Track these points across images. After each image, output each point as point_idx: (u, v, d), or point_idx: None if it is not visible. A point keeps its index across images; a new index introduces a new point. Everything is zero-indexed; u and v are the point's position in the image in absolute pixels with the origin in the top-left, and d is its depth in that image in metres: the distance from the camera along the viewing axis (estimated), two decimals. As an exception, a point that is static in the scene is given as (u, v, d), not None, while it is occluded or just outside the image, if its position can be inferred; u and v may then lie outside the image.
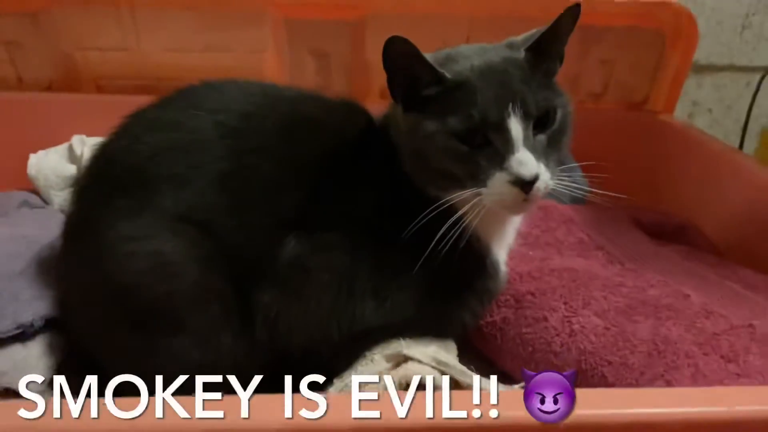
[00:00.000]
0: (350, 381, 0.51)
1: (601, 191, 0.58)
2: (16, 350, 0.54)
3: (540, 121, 0.49)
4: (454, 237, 0.49)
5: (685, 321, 0.53)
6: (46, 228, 0.68)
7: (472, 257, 0.54)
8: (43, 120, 0.86)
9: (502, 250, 0.59)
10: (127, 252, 0.47)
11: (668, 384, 0.45)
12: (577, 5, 0.51)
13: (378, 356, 0.52)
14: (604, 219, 0.79)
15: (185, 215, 0.49)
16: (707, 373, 0.45)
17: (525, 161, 0.46)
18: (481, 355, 0.61)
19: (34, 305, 0.56)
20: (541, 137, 0.49)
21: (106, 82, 0.90)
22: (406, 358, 0.50)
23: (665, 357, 0.47)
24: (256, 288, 0.50)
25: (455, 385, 0.49)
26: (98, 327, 0.51)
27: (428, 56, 0.50)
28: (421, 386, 0.48)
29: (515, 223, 0.60)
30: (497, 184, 0.47)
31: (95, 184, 0.53)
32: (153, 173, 0.50)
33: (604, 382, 0.48)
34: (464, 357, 0.59)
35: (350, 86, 0.89)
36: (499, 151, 0.47)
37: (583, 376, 0.50)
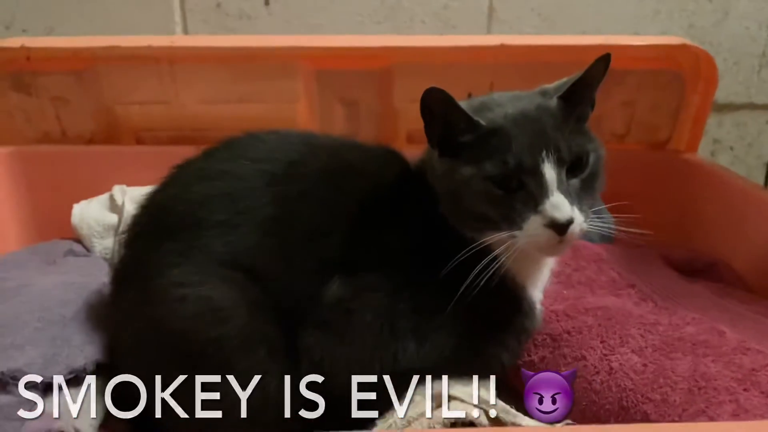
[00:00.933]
0: (395, 420, 0.52)
1: (628, 229, 0.60)
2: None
3: (573, 166, 0.51)
4: (490, 276, 0.51)
5: (723, 357, 0.53)
6: (92, 275, 0.71)
7: (508, 297, 0.56)
8: (86, 171, 0.89)
9: (537, 290, 0.60)
10: (177, 297, 0.49)
11: (711, 420, 0.46)
12: (608, 54, 0.53)
13: (419, 397, 0.53)
14: (634, 257, 0.80)
15: (233, 260, 0.51)
16: (748, 408, 0.46)
17: (559, 205, 0.48)
18: (519, 394, 0.61)
19: (86, 350, 0.58)
20: (575, 181, 0.51)
21: (145, 133, 0.93)
22: (449, 398, 0.51)
23: (706, 393, 0.48)
24: (301, 330, 0.52)
25: (498, 423, 0.49)
26: (150, 372, 0.52)
27: (463, 104, 0.52)
28: (465, 424, 0.50)
29: (550, 263, 0.62)
30: (532, 226, 0.49)
31: (146, 230, 0.56)
32: (202, 220, 0.52)
33: (646, 420, 0.49)
34: (503, 396, 0.59)
35: (378, 132, 0.92)
36: (534, 195, 0.49)
37: (625, 413, 0.50)
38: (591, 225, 0.52)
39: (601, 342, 0.57)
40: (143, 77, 0.88)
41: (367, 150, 0.60)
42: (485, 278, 0.51)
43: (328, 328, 0.52)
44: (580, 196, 0.51)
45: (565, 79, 0.56)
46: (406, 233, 0.55)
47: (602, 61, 0.53)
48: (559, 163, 0.49)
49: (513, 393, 0.61)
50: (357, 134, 0.93)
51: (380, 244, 0.54)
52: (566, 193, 0.49)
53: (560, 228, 0.48)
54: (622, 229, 0.60)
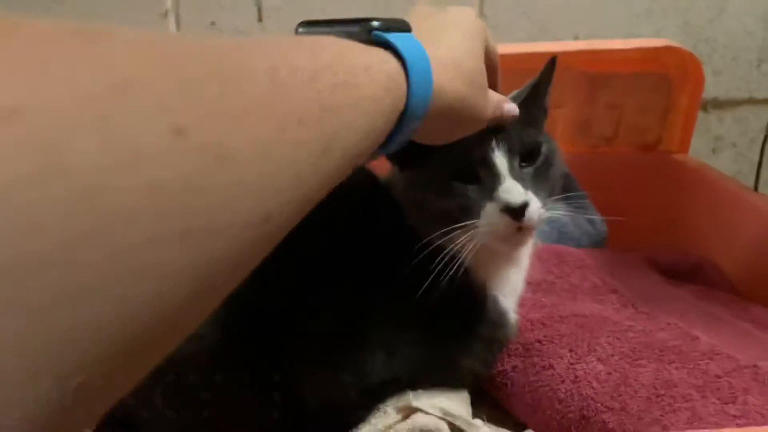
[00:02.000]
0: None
1: (606, 217, 0.60)
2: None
3: (526, 157, 0.53)
4: (454, 282, 0.51)
5: (689, 364, 0.54)
6: None
7: (475, 306, 0.57)
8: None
9: (509, 298, 0.61)
10: None
11: (664, 429, 0.46)
12: (554, 58, 0.56)
13: (390, 408, 0.55)
14: (619, 262, 0.81)
15: None
16: (703, 415, 0.46)
17: (511, 189, 0.49)
18: (495, 403, 0.63)
19: None
20: (528, 169, 0.53)
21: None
22: (415, 410, 0.53)
23: (663, 401, 0.48)
24: (271, 346, 0.53)
25: (461, 434, 0.51)
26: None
27: None
28: (429, 435, 0.51)
29: (521, 269, 0.62)
30: (489, 214, 0.50)
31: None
32: None
33: (604, 429, 0.49)
34: (480, 405, 0.61)
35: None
36: (487, 183, 0.51)
37: (586, 422, 0.51)
38: (554, 212, 0.54)
39: (570, 351, 0.58)
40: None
41: None
42: (448, 280, 0.51)
43: (299, 344, 0.54)
44: (536, 183, 0.52)
45: (519, 90, 0.58)
46: (374, 247, 0.57)
47: (549, 66, 0.56)
48: (510, 152, 0.51)
49: (490, 402, 0.63)
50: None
51: (349, 259, 0.56)
52: (519, 179, 0.51)
53: (515, 212, 0.49)
54: (603, 217, 0.60)
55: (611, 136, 0.97)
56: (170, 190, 0.21)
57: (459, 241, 0.52)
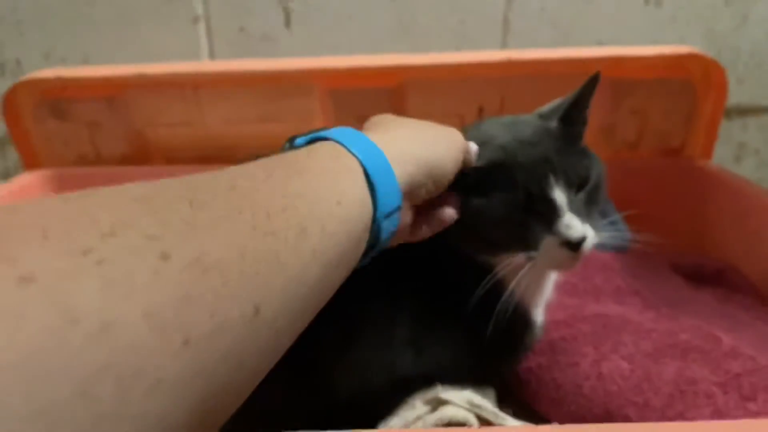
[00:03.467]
0: (393, 425, 0.55)
1: (642, 239, 0.61)
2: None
3: (579, 185, 0.53)
4: (494, 297, 0.53)
5: (712, 363, 0.55)
6: None
7: (510, 315, 0.57)
8: (119, 190, 0.95)
9: (537, 303, 0.62)
10: None
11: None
12: (598, 74, 0.55)
13: (418, 401, 0.56)
14: (642, 265, 0.82)
15: None
16: (725, 411, 0.47)
17: (572, 225, 0.50)
18: (520, 400, 0.64)
19: None
20: (581, 196, 0.53)
21: (173, 154, 0.99)
22: (443, 402, 0.54)
23: (686, 397, 0.50)
24: (303, 339, 0.55)
25: (487, 425, 0.52)
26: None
27: None
28: (457, 425, 0.52)
29: (553, 278, 0.63)
30: (548, 247, 0.51)
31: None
32: None
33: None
34: (504, 401, 0.62)
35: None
36: (547, 218, 0.51)
37: (610, 417, 0.52)
38: (603, 236, 0.55)
39: (594, 348, 0.59)
40: (170, 101, 0.94)
41: None
42: (488, 297, 0.53)
43: (329, 336, 0.55)
44: (589, 211, 0.53)
45: (557, 101, 0.58)
46: (408, 250, 0.58)
47: (592, 81, 0.55)
48: (567, 186, 0.52)
49: (515, 399, 0.64)
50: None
51: (384, 256, 0.57)
52: (577, 213, 0.51)
53: (575, 246, 0.50)
54: (636, 239, 0.62)
55: (635, 141, 0.98)
56: (166, 309, 0.24)
57: (509, 263, 0.53)
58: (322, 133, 0.42)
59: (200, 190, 0.29)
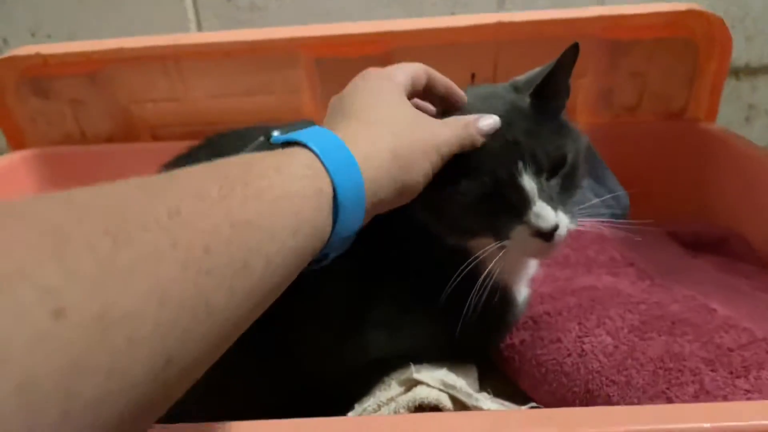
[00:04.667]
0: (368, 405, 0.53)
1: (636, 222, 0.57)
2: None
3: (552, 169, 0.49)
4: (471, 277, 0.50)
5: (702, 337, 0.52)
6: None
7: (490, 294, 0.54)
8: (106, 169, 0.93)
9: (519, 280, 0.59)
10: None
11: (668, 402, 0.45)
12: (575, 45, 0.50)
13: (393, 381, 0.55)
14: (638, 235, 0.78)
15: None
16: (711, 389, 0.45)
17: (543, 214, 0.47)
18: (504, 377, 0.62)
19: None
20: (554, 182, 0.50)
21: (160, 130, 0.97)
22: (417, 382, 0.52)
23: (670, 374, 0.47)
24: (275, 318, 0.54)
25: (462, 406, 0.50)
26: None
27: None
28: (431, 408, 0.51)
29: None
30: (519, 237, 0.49)
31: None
32: None
33: (608, 403, 0.48)
34: (488, 379, 0.60)
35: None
36: (516, 207, 0.48)
37: (590, 396, 0.50)
38: (581, 223, 0.51)
39: (578, 324, 0.56)
40: (153, 76, 0.91)
41: None
42: (466, 277, 0.50)
43: (301, 318, 0.54)
44: (563, 196, 0.50)
45: (535, 71, 0.54)
46: (383, 228, 0.55)
47: (570, 52, 0.51)
48: (537, 172, 0.48)
49: (498, 376, 0.62)
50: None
51: (356, 237, 0.55)
52: (548, 200, 0.48)
53: (546, 235, 0.48)
54: (633, 222, 0.58)
55: (634, 105, 0.93)
56: (46, 380, 0.20)
57: (484, 250, 0.51)
58: (302, 137, 0.38)
59: (133, 220, 0.25)
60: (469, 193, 0.49)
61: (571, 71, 0.53)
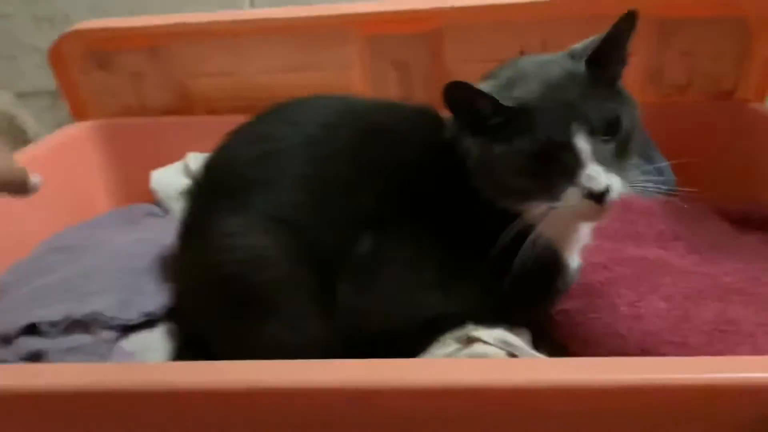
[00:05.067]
0: (425, 361, 0.56)
1: (687, 189, 0.58)
2: (144, 336, 0.64)
3: (606, 132, 0.51)
4: (522, 240, 0.52)
5: (754, 304, 0.53)
6: (167, 232, 0.78)
7: (540, 258, 0.56)
8: (163, 140, 0.97)
9: (573, 250, 0.61)
10: (228, 246, 0.55)
11: (725, 360, 0.46)
12: (632, 12, 0.52)
13: (449, 339, 0.57)
14: (686, 210, 0.79)
15: (276, 215, 0.56)
16: (765, 349, 0.46)
17: (595, 175, 0.49)
18: (554, 341, 0.64)
19: (156, 298, 0.65)
20: (609, 146, 0.51)
21: (214, 104, 1.00)
22: (474, 340, 0.54)
23: (725, 336, 0.49)
24: (337, 280, 0.56)
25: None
26: (207, 314, 0.59)
27: (488, 85, 0.54)
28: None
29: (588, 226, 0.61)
30: (571, 198, 0.50)
31: (203, 191, 0.62)
32: (250, 179, 0.57)
33: (664, 361, 0.50)
34: (538, 344, 0.62)
35: (430, 94, 0.93)
36: (569, 168, 0.50)
37: (645, 356, 0.52)
38: (634, 187, 0.52)
39: (632, 290, 0.58)
40: (210, 51, 0.95)
41: (403, 111, 0.63)
42: (517, 240, 0.52)
43: (359, 279, 0.56)
44: (617, 161, 0.51)
45: (592, 38, 0.56)
46: (435, 192, 0.57)
47: (627, 19, 0.52)
48: (591, 132, 0.50)
49: (549, 342, 0.64)
50: (410, 97, 0.95)
51: (409, 201, 0.57)
52: (601, 162, 0.49)
53: (598, 197, 0.49)
54: (680, 189, 0.59)
55: (683, 84, 0.94)
56: None
57: (535, 212, 0.52)
58: None
59: None
60: (521, 153, 0.51)
61: (627, 39, 0.54)
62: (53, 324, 0.59)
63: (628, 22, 0.52)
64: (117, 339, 0.61)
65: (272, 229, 0.56)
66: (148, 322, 0.64)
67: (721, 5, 0.86)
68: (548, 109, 0.50)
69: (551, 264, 0.58)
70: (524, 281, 0.56)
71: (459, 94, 0.51)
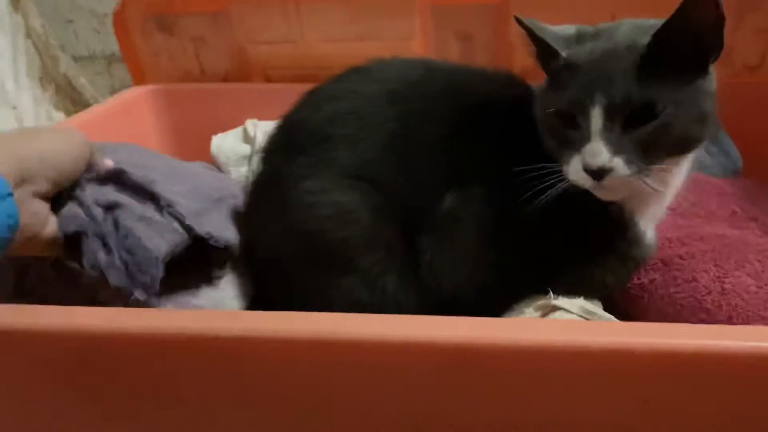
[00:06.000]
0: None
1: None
2: (214, 292, 0.64)
3: (635, 115, 0.48)
4: (594, 204, 0.52)
5: None
6: (230, 182, 0.77)
7: (612, 223, 0.56)
8: (222, 106, 0.97)
9: (648, 220, 0.59)
10: (310, 203, 0.55)
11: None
12: None
13: (529, 308, 0.56)
14: (759, 192, 0.77)
15: (358, 171, 0.55)
16: None
17: (595, 152, 0.48)
18: (627, 315, 0.63)
19: (227, 232, 0.61)
20: (633, 131, 0.48)
21: (273, 72, 1.00)
22: (555, 308, 0.54)
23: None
24: (417, 236, 0.56)
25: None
26: (282, 271, 0.59)
27: (561, 31, 0.54)
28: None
29: (664, 197, 0.58)
30: (573, 166, 0.50)
31: (281, 148, 0.62)
32: (331, 135, 0.57)
33: (756, 335, 0.49)
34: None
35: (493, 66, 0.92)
36: (581, 135, 0.49)
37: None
38: (645, 182, 0.49)
39: (715, 266, 0.57)
40: (271, 18, 0.94)
41: (487, 74, 0.62)
42: (588, 205, 0.52)
43: (440, 235, 0.56)
44: (638, 148, 0.48)
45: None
46: (515, 153, 0.57)
47: (694, 3, 0.46)
48: (609, 108, 0.48)
49: (620, 314, 0.63)
50: (472, 69, 0.94)
51: (491, 161, 0.56)
52: (608, 141, 0.48)
53: (593, 174, 0.48)
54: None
55: (757, 64, 0.91)
56: None
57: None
58: None
59: None
60: (554, 105, 0.51)
61: (700, 23, 0.47)
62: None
63: (694, 5, 0.46)
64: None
65: (354, 185, 0.56)
66: (216, 281, 0.64)
67: (803, -19, 0.83)
68: (587, 72, 0.49)
69: (623, 228, 0.57)
70: (598, 244, 0.56)
71: (526, 27, 0.52)
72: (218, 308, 0.62)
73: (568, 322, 0.49)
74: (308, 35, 0.95)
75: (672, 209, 0.69)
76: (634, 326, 0.42)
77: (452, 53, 0.95)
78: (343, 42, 0.96)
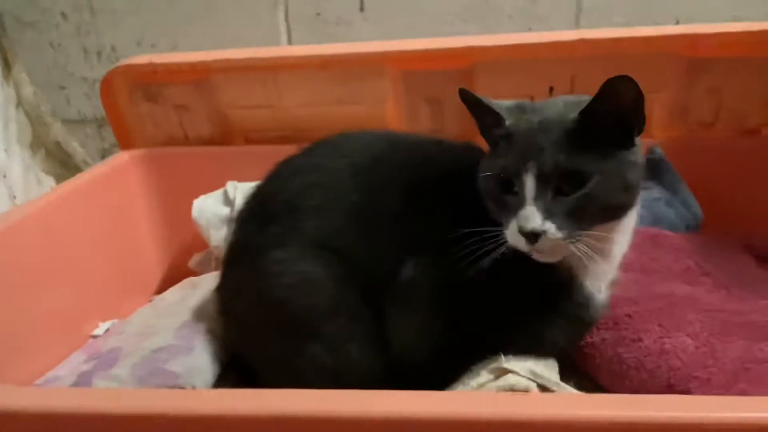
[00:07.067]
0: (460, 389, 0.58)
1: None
2: (188, 358, 0.67)
3: (566, 183, 0.51)
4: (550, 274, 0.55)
5: (781, 343, 0.55)
6: None
7: (560, 286, 0.59)
8: (206, 168, 1.01)
9: (597, 282, 0.61)
10: (277, 272, 0.59)
11: (750, 398, 0.48)
12: (620, 78, 0.49)
13: (483, 370, 0.59)
14: (714, 246, 0.81)
15: (324, 241, 0.59)
16: (790, 389, 0.48)
17: (528, 216, 0.51)
18: (581, 372, 0.66)
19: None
20: (563, 198, 0.52)
21: (253, 134, 1.05)
22: (506, 371, 0.57)
23: (750, 374, 0.50)
24: (382, 301, 0.59)
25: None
26: (252, 336, 0.63)
27: (503, 103, 0.58)
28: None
29: (612, 257, 0.61)
30: (511, 229, 0.53)
31: (253, 217, 0.66)
32: (299, 207, 0.61)
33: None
34: (566, 374, 0.64)
35: (462, 128, 0.96)
36: (517, 201, 0.53)
37: (672, 391, 0.53)
38: (581, 246, 0.52)
39: (659, 326, 0.60)
40: (251, 85, 0.99)
41: (447, 145, 0.67)
42: (536, 268, 0.55)
43: (400, 300, 0.59)
44: (571, 213, 0.51)
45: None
46: (466, 219, 0.59)
47: (614, 84, 0.49)
48: (540, 176, 0.51)
49: (577, 373, 0.66)
50: (442, 131, 0.99)
51: (445, 227, 0.59)
52: (541, 206, 0.51)
53: (528, 236, 0.51)
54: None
55: (710, 121, 0.96)
56: None
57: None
58: None
59: None
60: (493, 172, 0.54)
61: (621, 103, 0.51)
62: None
63: (615, 87, 0.50)
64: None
65: (319, 255, 0.59)
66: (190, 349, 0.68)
67: (751, 45, 0.87)
68: (523, 142, 0.53)
69: (568, 290, 0.59)
70: (546, 306, 0.59)
71: (467, 99, 0.57)
72: (193, 374, 0.65)
73: (485, 395, 0.52)
74: (285, 101, 1.00)
75: (628, 267, 0.73)
76: (540, 398, 0.45)
77: (423, 115, 0.99)
78: (320, 106, 1.00)
